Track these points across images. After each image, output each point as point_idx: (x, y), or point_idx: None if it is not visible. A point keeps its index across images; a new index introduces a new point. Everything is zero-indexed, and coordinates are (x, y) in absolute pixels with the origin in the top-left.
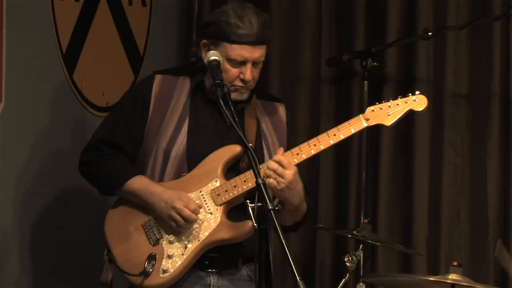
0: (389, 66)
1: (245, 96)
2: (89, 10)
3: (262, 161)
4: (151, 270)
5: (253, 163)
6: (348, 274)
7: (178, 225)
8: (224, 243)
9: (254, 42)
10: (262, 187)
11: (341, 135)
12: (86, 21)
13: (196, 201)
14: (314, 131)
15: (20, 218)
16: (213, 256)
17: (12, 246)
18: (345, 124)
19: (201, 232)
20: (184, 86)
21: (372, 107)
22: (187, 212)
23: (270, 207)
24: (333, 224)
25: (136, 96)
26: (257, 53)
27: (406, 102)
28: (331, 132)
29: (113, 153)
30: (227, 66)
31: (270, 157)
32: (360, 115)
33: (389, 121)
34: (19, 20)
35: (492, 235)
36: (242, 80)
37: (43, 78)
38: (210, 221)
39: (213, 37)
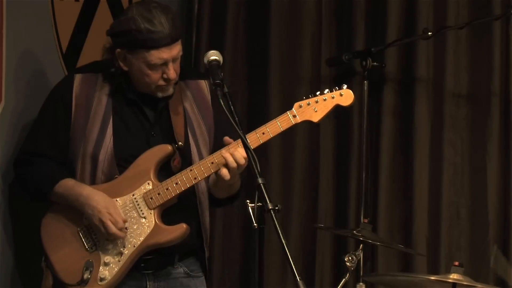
0: (389, 66)
1: (171, 91)
2: (89, 10)
3: (189, 158)
4: (89, 277)
5: (252, 163)
6: (348, 274)
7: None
8: (160, 246)
9: (170, 42)
10: (262, 187)
11: (270, 134)
12: (86, 21)
13: (130, 205)
14: (315, 131)
15: (20, 218)
16: (148, 258)
17: (11, 246)
18: (274, 121)
19: (136, 237)
20: (104, 85)
21: (300, 103)
22: (113, 230)
23: (270, 207)
24: (333, 224)
25: (56, 100)
26: (175, 50)
27: (332, 98)
28: (260, 130)
29: (40, 161)
30: (148, 71)
31: (199, 151)
32: (288, 112)
33: (316, 117)
34: (19, 20)
35: (492, 235)
36: (166, 79)
37: (43, 78)
38: (144, 225)
39: (127, 47)
